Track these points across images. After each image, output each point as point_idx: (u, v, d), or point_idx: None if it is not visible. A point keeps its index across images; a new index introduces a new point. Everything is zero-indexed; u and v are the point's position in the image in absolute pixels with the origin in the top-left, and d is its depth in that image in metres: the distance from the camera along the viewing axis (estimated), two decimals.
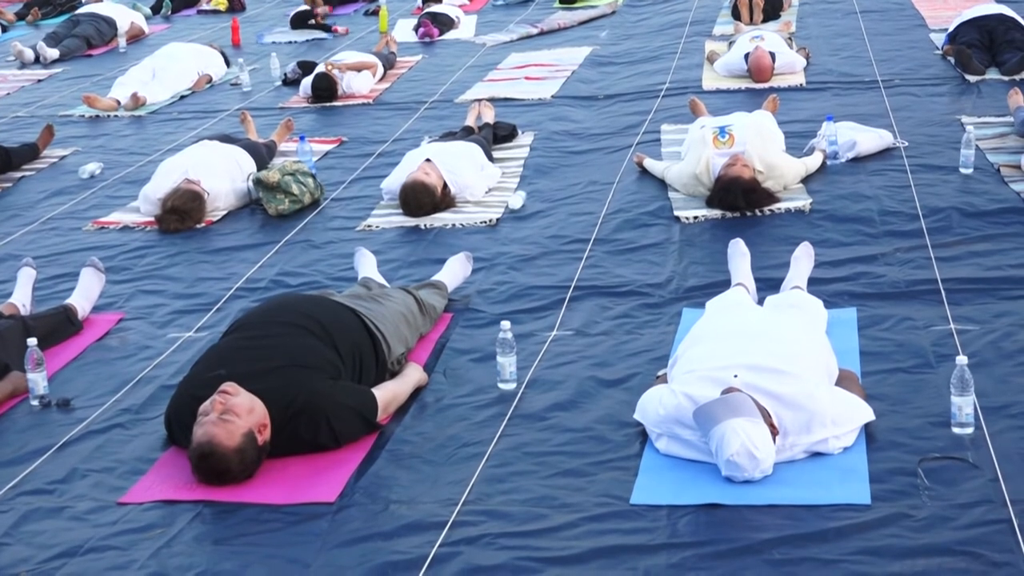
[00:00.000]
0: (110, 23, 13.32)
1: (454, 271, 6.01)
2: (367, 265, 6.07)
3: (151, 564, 3.92)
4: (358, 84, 10.27)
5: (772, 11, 12.04)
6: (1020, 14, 9.85)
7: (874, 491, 4.01)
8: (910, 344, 5.05)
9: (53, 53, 12.62)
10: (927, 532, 3.78)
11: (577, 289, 5.92)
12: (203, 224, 7.28)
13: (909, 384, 4.72)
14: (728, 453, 4.00)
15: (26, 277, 6.15)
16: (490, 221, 6.98)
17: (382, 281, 5.85)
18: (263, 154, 8.09)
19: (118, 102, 10.32)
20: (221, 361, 4.63)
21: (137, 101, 10.28)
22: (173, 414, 4.61)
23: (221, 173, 7.56)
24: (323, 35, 13.13)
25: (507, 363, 4.94)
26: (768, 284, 5.65)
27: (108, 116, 10.17)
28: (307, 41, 12.94)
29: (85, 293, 6.01)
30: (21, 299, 5.99)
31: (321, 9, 13.80)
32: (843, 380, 4.54)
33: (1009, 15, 9.68)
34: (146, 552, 3.98)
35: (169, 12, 15.17)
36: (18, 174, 8.62)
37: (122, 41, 13.11)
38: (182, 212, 7.18)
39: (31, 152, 8.90)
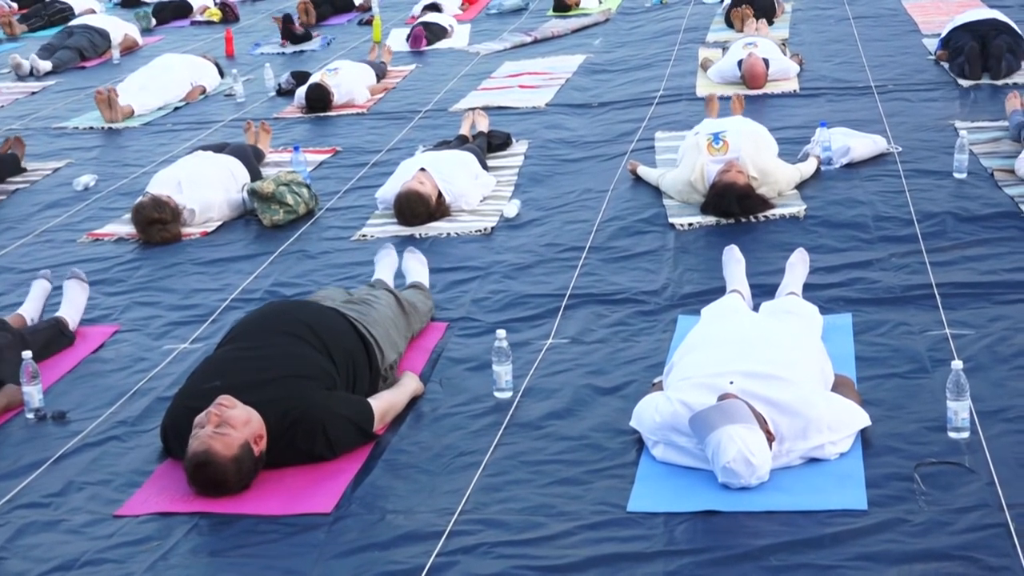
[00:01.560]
0: (103, 35, 13.32)
1: (413, 266, 6.03)
2: (385, 268, 6.01)
3: None
4: (358, 92, 10.28)
5: (765, 18, 12.06)
6: (1012, 18, 9.87)
7: (871, 496, 4.01)
8: (906, 349, 5.06)
9: (46, 65, 12.62)
10: (924, 537, 3.77)
11: (572, 297, 5.92)
12: (186, 222, 7.33)
13: (905, 389, 4.72)
14: (724, 460, 4.00)
15: (40, 290, 6.13)
16: (485, 230, 6.98)
17: (390, 287, 5.80)
18: (251, 156, 8.09)
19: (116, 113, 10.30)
20: (217, 372, 4.63)
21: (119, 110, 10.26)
22: (169, 426, 4.61)
23: (215, 184, 7.56)
24: (314, 47, 13.13)
25: (503, 372, 4.93)
26: (763, 290, 5.65)
27: (104, 127, 10.16)
28: (296, 52, 12.95)
29: (73, 304, 6.00)
30: (30, 312, 5.99)
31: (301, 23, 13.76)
32: (839, 386, 4.54)
33: (1001, 20, 9.70)
34: (143, 565, 3.97)
35: (152, 25, 15.13)
36: (11, 187, 8.62)
37: (116, 53, 13.12)
38: (159, 220, 7.17)
39: (13, 162, 8.89)
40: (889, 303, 5.53)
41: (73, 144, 9.74)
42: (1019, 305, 5.39)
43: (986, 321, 5.25)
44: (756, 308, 5.37)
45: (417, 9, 14.23)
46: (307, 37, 13.37)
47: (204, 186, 7.50)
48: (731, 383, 4.22)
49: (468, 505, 4.18)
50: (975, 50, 9.16)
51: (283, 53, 12.96)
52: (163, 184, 7.47)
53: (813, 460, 4.21)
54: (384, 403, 4.75)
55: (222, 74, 11.60)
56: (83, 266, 6.67)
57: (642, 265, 6.28)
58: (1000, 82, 9.06)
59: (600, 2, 14.27)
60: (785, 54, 10.11)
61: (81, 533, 4.20)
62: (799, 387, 4.27)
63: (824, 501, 3.99)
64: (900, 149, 7.66)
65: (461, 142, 8.25)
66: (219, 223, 7.46)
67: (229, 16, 15.26)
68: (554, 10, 13.97)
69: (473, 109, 9.13)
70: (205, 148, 8.20)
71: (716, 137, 6.99)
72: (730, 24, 12.05)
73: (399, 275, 6.08)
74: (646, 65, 10.91)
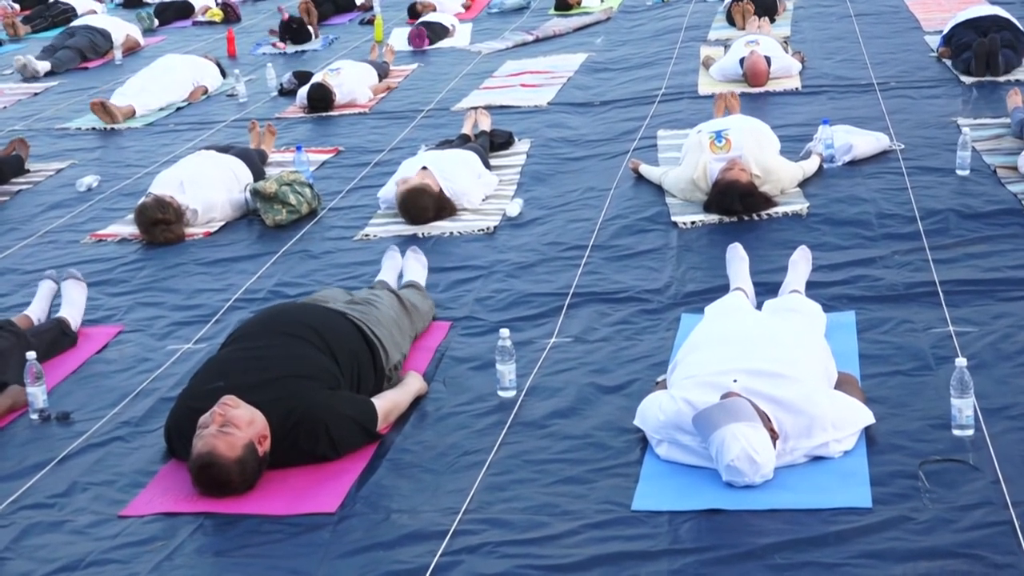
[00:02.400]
0: (105, 35, 13.34)
1: (412, 266, 6.02)
2: (389, 271, 6.02)
3: None
4: (360, 91, 10.28)
5: (767, 15, 12.06)
6: (1014, 15, 9.86)
7: (875, 494, 4.01)
8: (909, 347, 5.05)
9: (44, 66, 12.62)
10: (928, 535, 3.77)
11: (575, 296, 5.92)
12: (189, 223, 7.34)
13: (909, 387, 4.72)
14: (728, 458, 4.00)
15: (46, 291, 6.13)
16: (488, 229, 6.99)
17: (392, 287, 5.81)
18: (255, 157, 8.10)
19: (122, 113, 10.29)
20: (220, 373, 4.63)
21: (118, 113, 10.27)
22: (173, 426, 4.61)
23: (217, 184, 7.56)
24: (316, 47, 13.13)
25: (506, 371, 4.93)
26: (766, 288, 5.65)
27: (106, 128, 10.17)
28: (298, 52, 12.96)
29: (73, 304, 6.00)
30: (37, 313, 5.99)
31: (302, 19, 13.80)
32: (843, 384, 4.54)
33: (1003, 16, 9.70)
34: (148, 565, 3.98)
35: (154, 25, 15.15)
36: (15, 188, 8.63)
37: (118, 53, 13.13)
38: (162, 221, 7.17)
39: (17, 163, 8.91)
40: (892, 300, 5.53)
41: (76, 145, 9.75)
42: (1022, 302, 5.39)
43: (990, 318, 5.25)
44: (759, 306, 5.36)
45: None
46: (304, 32, 13.33)
47: (206, 186, 7.51)
48: (735, 381, 4.22)
49: (472, 504, 4.18)
50: (984, 46, 9.15)
51: (284, 53, 12.96)
52: (166, 184, 7.47)
53: (817, 458, 4.21)
54: (388, 402, 4.75)
55: (224, 74, 11.61)
56: (86, 267, 6.68)
57: (645, 263, 6.27)
58: (1003, 79, 9.05)
59: (601, 1, 14.27)
60: (787, 52, 10.11)
61: (85, 534, 4.20)
62: (803, 385, 4.27)
63: (828, 499, 3.99)
64: (903, 146, 7.65)
65: (463, 141, 8.25)
66: (222, 223, 7.46)
67: (231, 16, 15.27)
68: (555, 9, 13.97)
69: (475, 108, 9.13)
70: (208, 148, 8.20)
71: (719, 135, 6.99)
72: (731, 22, 12.06)
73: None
74: (648, 63, 10.91)
